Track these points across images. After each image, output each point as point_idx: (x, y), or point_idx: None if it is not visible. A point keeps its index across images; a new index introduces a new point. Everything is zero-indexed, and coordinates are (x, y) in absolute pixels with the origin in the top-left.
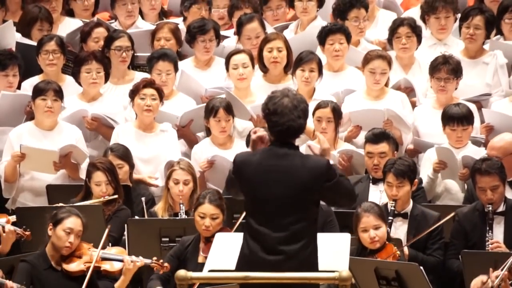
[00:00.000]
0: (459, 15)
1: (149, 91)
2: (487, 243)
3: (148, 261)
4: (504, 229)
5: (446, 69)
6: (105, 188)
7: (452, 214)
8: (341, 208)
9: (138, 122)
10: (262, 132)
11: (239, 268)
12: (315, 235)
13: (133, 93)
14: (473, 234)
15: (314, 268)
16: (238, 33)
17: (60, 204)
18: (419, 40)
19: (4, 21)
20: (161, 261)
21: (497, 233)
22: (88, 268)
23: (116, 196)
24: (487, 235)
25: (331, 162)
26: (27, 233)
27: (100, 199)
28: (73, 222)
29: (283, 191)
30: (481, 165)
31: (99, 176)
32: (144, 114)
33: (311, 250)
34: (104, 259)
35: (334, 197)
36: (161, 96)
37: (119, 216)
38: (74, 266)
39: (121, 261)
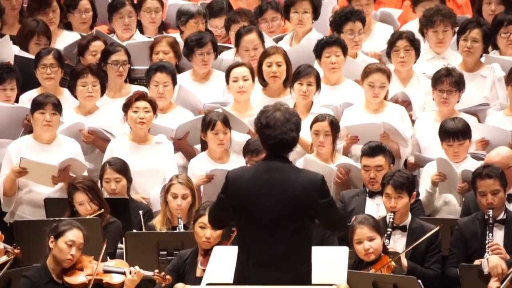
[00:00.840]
0: (457, 28)
1: (142, 103)
2: (486, 246)
3: (150, 273)
4: (504, 236)
5: (449, 81)
6: (89, 207)
7: (437, 228)
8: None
9: (132, 135)
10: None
11: (235, 283)
12: (310, 250)
13: (126, 107)
14: (473, 241)
15: (308, 283)
16: (236, 44)
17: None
18: (417, 54)
19: (1, 34)
20: (163, 273)
21: (497, 240)
22: (90, 281)
23: (102, 211)
24: (487, 237)
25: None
26: (16, 251)
27: (86, 218)
28: (75, 235)
29: (278, 206)
30: (482, 170)
31: (80, 196)
32: (137, 127)
33: (305, 265)
34: (106, 271)
35: (329, 219)
36: (154, 108)
37: (110, 230)
38: (76, 279)
39: (123, 273)
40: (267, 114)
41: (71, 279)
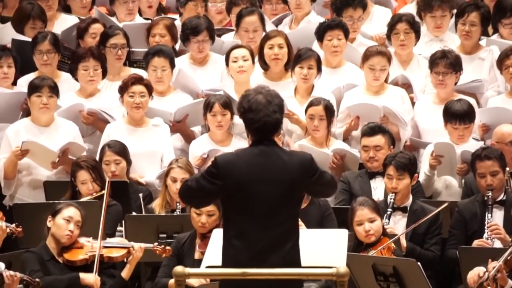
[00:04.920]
0: (455, 11)
1: (138, 88)
2: (486, 227)
3: (149, 245)
4: (504, 217)
5: (444, 63)
6: (91, 186)
7: (445, 205)
8: (331, 200)
9: (128, 118)
10: None
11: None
12: (298, 231)
13: (122, 90)
14: (473, 222)
15: (299, 264)
16: (237, 25)
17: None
18: (417, 36)
19: (1, 17)
20: (163, 245)
21: (496, 221)
22: (90, 257)
23: (103, 192)
24: (486, 219)
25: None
26: (18, 229)
27: (88, 198)
28: (72, 211)
29: (276, 189)
30: (481, 152)
31: (83, 175)
32: (133, 111)
33: (296, 246)
34: (106, 247)
35: (320, 189)
36: (150, 91)
37: (110, 212)
38: (76, 256)
39: (124, 248)
40: (249, 98)
41: (72, 256)
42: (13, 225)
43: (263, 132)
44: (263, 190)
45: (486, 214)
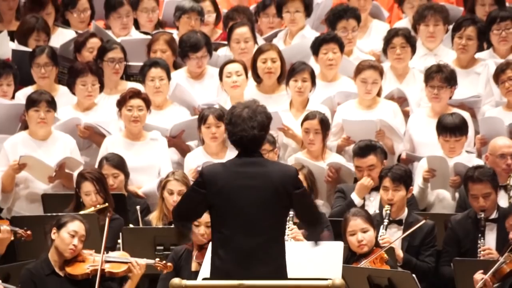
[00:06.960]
0: (451, 26)
1: (136, 102)
2: (478, 250)
3: (151, 261)
4: (497, 236)
5: (439, 77)
6: (94, 198)
7: (422, 222)
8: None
9: (126, 131)
10: None
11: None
12: (284, 244)
13: (120, 104)
14: (466, 241)
15: (286, 274)
16: (228, 38)
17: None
18: (413, 50)
19: None
20: (164, 261)
21: (490, 240)
22: (92, 271)
23: (106, 205)
24: (479, 242)
25: None
26: (28, 232)
27: (91, 209)
28: (77, 226)
29: (258, 197)
30: (473, 173)
31: (88, 186)
32: (131, 125)
33: (282, 258)
34: (108, 262)
35: (303, 209)
36: (148, 105)
37: (112, 226)
38: (78, 270)
39: (125, 263)
40: (233, 111)
41: (74, 270)
42: (23, 229)
43: (239, 145)
44: (245, 197)
45: (479, 236)
